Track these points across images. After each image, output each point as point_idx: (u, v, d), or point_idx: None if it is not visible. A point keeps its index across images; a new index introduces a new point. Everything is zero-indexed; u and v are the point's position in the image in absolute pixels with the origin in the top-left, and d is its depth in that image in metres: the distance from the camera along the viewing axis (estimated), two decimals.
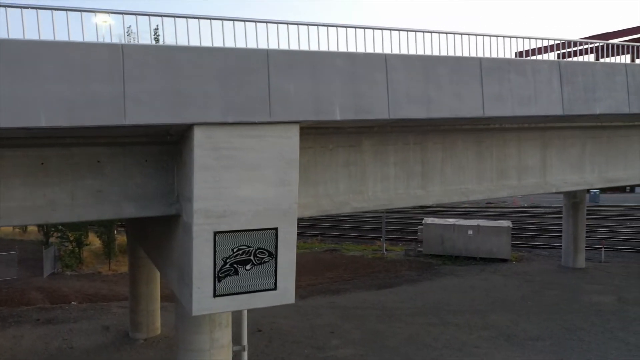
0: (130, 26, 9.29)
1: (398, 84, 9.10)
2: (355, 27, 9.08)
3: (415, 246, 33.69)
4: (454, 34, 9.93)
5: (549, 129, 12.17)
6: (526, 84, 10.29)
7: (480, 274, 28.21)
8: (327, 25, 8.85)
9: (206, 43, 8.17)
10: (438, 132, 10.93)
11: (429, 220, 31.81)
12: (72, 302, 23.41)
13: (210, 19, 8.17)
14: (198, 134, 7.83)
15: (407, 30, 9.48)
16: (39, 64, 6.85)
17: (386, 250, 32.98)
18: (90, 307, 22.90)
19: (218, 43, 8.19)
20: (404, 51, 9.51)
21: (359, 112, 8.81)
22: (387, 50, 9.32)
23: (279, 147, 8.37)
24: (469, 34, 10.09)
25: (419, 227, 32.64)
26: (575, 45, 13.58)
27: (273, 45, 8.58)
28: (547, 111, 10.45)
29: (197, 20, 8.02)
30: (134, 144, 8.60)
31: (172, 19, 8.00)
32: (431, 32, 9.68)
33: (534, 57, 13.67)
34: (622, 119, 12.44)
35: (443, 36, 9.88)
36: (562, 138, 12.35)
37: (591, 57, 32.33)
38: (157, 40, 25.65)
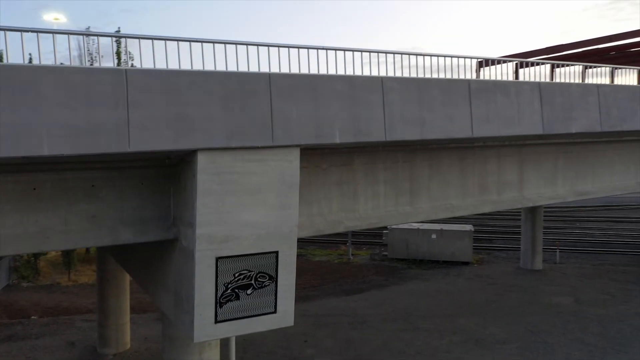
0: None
1: (394, 106, 9.27)
2: (353, 50, 9.19)
3: (380, 250, 34.22)
4: (444, 56, 10.21)
5: (525, 146, 12.69)
6: (510, 105, 10.69)
7: (445, 278, 28.94)
8: (327, 49, 8.91)
9: (209, 66, 8.05)
10: (425, 150, 11.19)
11: (393, 224, 32.33)
12: (32, 317, 22.41)
13: (213, 42, 8.06)
14: (202, 159, 7.71)
15: (402, 53, 9.68)
16: (40, 89, 6.56)
17: (352, 254, 33.31)
18: (53, 322, 21.99)
19: (220, 66, 8.09)
20: (398, 70, 9.69)
21: (357, 134, 8.91)
22: (382, 71, 9.48)
23: (281, 170, 8.36)
24: (457, 56, 10.40)
25: (384, 231, 33.15)
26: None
27: (274, 68, 8.56)
28: (529, 131, 10.90)
29: (200, 43, 7.89)
30: (130, 167, 8.37)
31: (176, 42, 7.83)
32: (424, 55, 9.92)
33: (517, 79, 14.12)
34: (592, 135, 13.13)
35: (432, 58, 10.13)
36: (537, 154, 12.91)
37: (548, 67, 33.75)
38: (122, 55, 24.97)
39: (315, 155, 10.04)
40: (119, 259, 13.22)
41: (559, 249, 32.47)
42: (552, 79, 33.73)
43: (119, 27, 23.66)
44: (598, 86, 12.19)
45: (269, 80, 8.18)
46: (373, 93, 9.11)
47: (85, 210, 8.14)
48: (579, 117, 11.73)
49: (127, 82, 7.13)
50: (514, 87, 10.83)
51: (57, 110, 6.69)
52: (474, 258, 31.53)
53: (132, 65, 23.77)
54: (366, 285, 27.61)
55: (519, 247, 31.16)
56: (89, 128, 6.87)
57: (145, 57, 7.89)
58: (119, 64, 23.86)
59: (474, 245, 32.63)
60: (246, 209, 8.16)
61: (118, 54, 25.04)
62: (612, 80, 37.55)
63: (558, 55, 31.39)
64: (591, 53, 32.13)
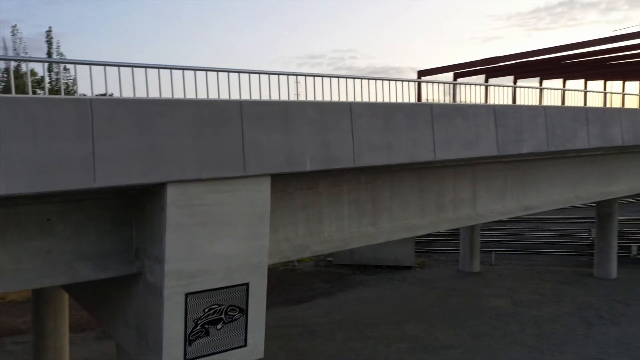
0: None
1: (362, 132, 9.27)
2: (322, 76, 9.09)
3: (325, 256, 34.32)
4: (409, 81, 10.36)
5: (478, 164, 13.13)
6: (469, 128, 11.01)
7: (389, 283, 29.47)
8: (297, 74, 8.75)
9: (178, 94, 7.67)
10: (387, 172, 11.30)
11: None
12: None
13: (182, 69, 7.68)
14: (171, 192, 7.34)
15: (369, 78, 9.70)
16: None
17: (297, 261, 33.21)
18: None
19: (190, 93, 7.74)
20: (365, 93, 9.73)
21: (327, 161, 8.84)
22: (350, 96, 9.48)
23: (252, 200, 8.13)
24: (425, 81, 10.57)
25: None
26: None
27: (245, 94, 8.30)
28: (485, 152, 11.28)
29: (169, 70, 7.49)
30: (89, 199, 7.82)
31: (143, 69, 7.39)
32: (389, 80, 10.01)
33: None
34: (538, 154, 13.80)
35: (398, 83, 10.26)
36: (489, 172, 13.39)
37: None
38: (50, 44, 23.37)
39: (281, 180, 9.84)
40: (67, 287, 12.36)
41: (494, 251, 33.96)
42: (486, 89, 35.33)
43: (50, 27, 22.08)
44: (545, 108, 12.83)
45: (241, 108, 7.93)
46: (342, 119, 9.06)
47: (39, 247, 7.52)
48: (528, 138, 12.28)
49: (92, 112, 6.64)
50: (472, 110, 11.16)
51: (15, 145, 6.12)
52: (415, 262, 32.35)
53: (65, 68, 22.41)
54: (313, 294, 27.60)
55: (458, 250, 32.28)
56: (51, 163, 6.34)
57: (113, 86, 7.40)
58: (49, 68, 22.38)
59: (415, 249, 33.50)
60: (217, 242, 7.86)
61: (49, 55, 23.58)
62: (541, 90, 39.72)
63: (493, 66, 32.84)
64: (522, 65, 33.89)
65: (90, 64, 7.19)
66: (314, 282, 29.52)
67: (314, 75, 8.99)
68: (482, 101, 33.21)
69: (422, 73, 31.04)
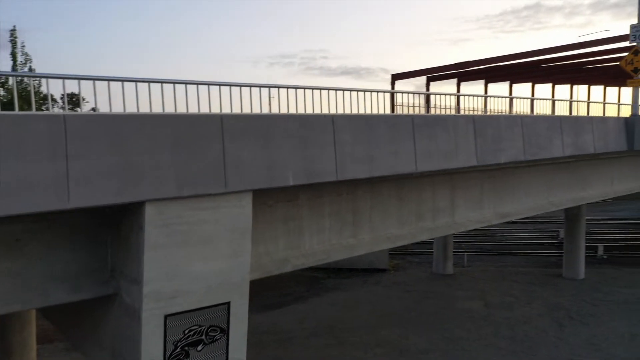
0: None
1: (344, 145, 9.14)
2: (304, 88, 8.91)
3: None
4: (391, 92, 10.26)
5: (456, 173, 13.16)
6: (449, 139, 11.00)
7: (364, 287, 29.46)
8: (278, 87, 8.55)
9: (156, 108, 7.36)
10: (368, 182, 11.19)
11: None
12: None
13: (161, 82, 7.37)
14: (150, 211, 7.04)
15: (350, 90, 9.56)
16: None
17: None
18: None
19: (169, 107, 7.44)
20: (347, 105, 9.60)
21: (310, 176, 8.67)
22: (332, 106, 9.33)
23: (233, 217, 7.90)
24: (405, 92, 10.52)
25: None
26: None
27: (226, 107, 8.05)
28: (465, 163, 11.30)
29: (147, 83, 7.18)
30: (61, 217, 7.44)
31: (120, 82, 7.05)
32: (371, 92, 9.89)
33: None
34: (514, 162, 13.94)
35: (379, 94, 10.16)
36: (466, 180, 13.44)
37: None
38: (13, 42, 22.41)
39: (261, 192, 9.62)
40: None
41: (467, 252, 34.36)
42: (458, 91, 35.82)
43: (13, 26, 21.08)
44: (522, 117, 12.96)
45: (221, 122, 7.68)
46: (324, 132, 8.90)
47: (7, 269, 7.11)
48: (506, 148, 12.37)
49: (65, 129, 6.30)
50: (452, 121, 11.16)
51: None
52: (390, 264, 32.46)
53: (30, 69, 21.61)
54: (288, 298, 27.36)
55: (431, 252, 32.52)
56: (22, 184, 5.97)
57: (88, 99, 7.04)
58: (14, 66, 21.52)
59: (389, 251, 33.60)
60: (197, 261, 7.60)
61: (13, 55, 22.63)
62: (511, 90, 40.46)
63: (465, 70, 33.32)
64: (492, 69, 34.55)
65: (64, 77, 6.82)
66: (289, 286, 29.26)
67: (296, 87, 8.80)
68: (454, 106, 33.52)
69: (395, 77, 31.23)
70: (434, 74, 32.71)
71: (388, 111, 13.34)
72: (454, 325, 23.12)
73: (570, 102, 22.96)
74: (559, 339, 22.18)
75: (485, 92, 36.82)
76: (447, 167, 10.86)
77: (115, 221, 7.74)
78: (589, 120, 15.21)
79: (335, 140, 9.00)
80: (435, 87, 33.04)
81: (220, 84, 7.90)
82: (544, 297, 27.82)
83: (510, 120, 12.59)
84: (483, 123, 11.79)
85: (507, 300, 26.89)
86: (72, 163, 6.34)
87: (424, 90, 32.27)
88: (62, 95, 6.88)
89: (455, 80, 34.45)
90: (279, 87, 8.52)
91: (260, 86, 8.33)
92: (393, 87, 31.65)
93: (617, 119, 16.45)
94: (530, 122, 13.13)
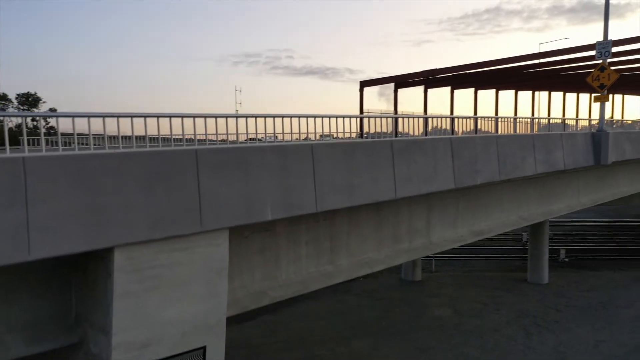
0: None
1: (324, 175, 8.79)
2: (282, 117, 8.51)
3: None
4: (368, 116, 9.97)
5: (432, 193, 13.03)
6: (427, 163, 10.81)
7: (335, 295, 29.19)
8: (255, 117, 8.12)
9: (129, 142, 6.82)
10: (346, 207, 10.89)
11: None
12: None
13: (131, 116, 6.83)
14: (119, 257, 6.52)
15: (329, 117, 9.22)
16: None
17: None
18: None
19: (141, 142, 6.90)
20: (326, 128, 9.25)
21: (289, 209, 8.29)
22: (311, 130, 8.96)
23: (209, 256, 7.45)
24: (383, 116, 10.22)
25: None
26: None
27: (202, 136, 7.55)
28: (443, 187, 11.14)
29: (115, 118, 6.62)
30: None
31: (86, 118, 6.47)
32: (350, 117, 9.57)
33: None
34: None
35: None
36: (443, 199, 13.32)
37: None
38: None
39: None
40: None
41: (434, 257, 34.55)
42: (425, 98, 36.07)
43: None
44: (497, 137, 12.91)
45: (196, 157, 7.21)
46: (304, 162, 8.54)
47: None
48: (482, 169, 12.29)
49: (25, 172, 5.72)
50: (431, 144, 10.97)
51: None
52: None
53: None
54: (258, 309, 26.72)
55: None
56: None
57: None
58: None
59: None
60: (170, 305, 7.11)
61: None
62: (476, 96, 40.96)
63: (431, 77, 33.54)
64: (458, 76, 34.93)
65: (24, 115, 6.20)
66: None
67: (274, 116, 8.39)
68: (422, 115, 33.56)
69: (364, 83, 31.12)
70: (402, 81, 32.77)
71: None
72: (424, 334, 23.10)
73: (532, 120, 23.19)
74: (527, 347, 22.47)
75: (452, 98, 37.20)
76: (426, 191, 10.67)
77: (82, 265, 7.17)
78: (559, 137, 15.35)
79: (315, 170, 8.65)
80: (402, 93, 33.12)
81: (194, 116, 7.42)
82: (511, 303, 28.19)
83: (486, 141, 12.52)
84: (460, 145, 11.66)
85: (476, 307, 27.12)
86: (33, 210, 5.77)
87: (392, 97, 32.29)
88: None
89: (422, 87, 34.64)
90: (256, 116, 8.10)
91: (237, 116, 7.89)
92: (362, 95, 31.54)
93: (585, 134, 16.71)
94: (505, 142, 13.11)
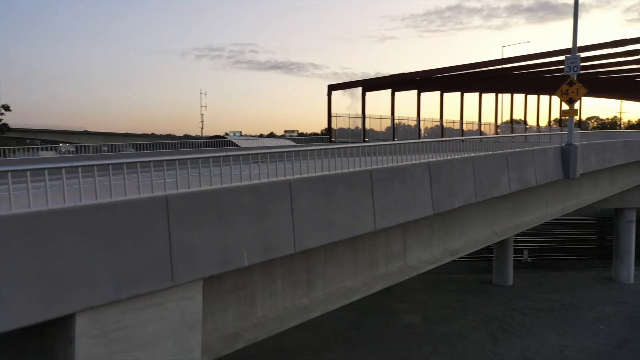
0: None
1: (302, 212, 8.32)
2: (259, 153, 7.96)
3: None
4: (348, 147, 9.52)
5: None
6: (406, 191, 10.48)
7: None
8: (230, 155, 7.55)
9: (89, 196, 6.14)
10: None
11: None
12: None
13: (94, 165, 6.15)
14: (81, 322, 5.88)
15: (308, 150, 8.73)
16: None
17: None
18: None
19: (104, 194, 6.23)
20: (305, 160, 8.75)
21: (266, 252, 7.79)
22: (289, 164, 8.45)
23: (181, 310, 6.87)
24: (361, 145, 9.81)
25: None
26: None
27: (172, 182, 6.92)
28: (422, 214, 10.85)
29: (77, 168, 5.94)
30: None
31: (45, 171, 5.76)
32: (328, 149, 9.09)
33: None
34: None
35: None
36: (417, 220, 13.06)
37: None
38: None
39: None
40: None
41: None
42: (392, 101, 36.00)
43: None
44: (473, 158, 12.72)
45: (167, 204, 6.61)
46: (281, 200, 8.03)
47: None
48: (459, 192, 12.07)
49: None
50: (409, 171, 10.65)
51: None
52: None
53: None
54: None
55: None
56: None
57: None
58: None
59: None
60: None
61: None
62: (442, 99, 41.23)
63: (399, 81, 33.49)
64: (425, 80, 35.09)
65: None
66: None
67: (249, 153, 7.82)
68: (389, 113, 33.41)
69: (332, 87, 30.75)
70: (370, 85, 32.58)
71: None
72: (395, 343, 23.03)
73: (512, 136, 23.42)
74: (495, 354, 22.70)
75: (418, 101, 37.28)
76: (404, 220, 10.35)
77: (39, 328, 6.46)
78: (531, 153, 15.35)
79: (293, 208, 8.16)
80: (370, 96, 32.90)
81: (164, 160, 6.80)
82: (478, 307, 28.52)
83: (462, 162, 12.30)
84: (438, 169, 11.39)
85: (444, 313, 27.27)
86: None
87: (358, 94, 31.99)
88: None
89: (389, 91, 34.55)
90: (230, 155, 7.54)
91: (210, 156, 7.30)
92: (329, 98, 31.14)
93: (555, 148, 16.80)
94: (481, 162, 12.94)
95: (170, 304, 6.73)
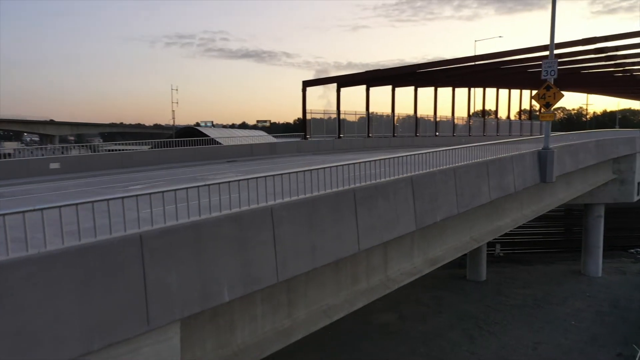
0: None
1: (285, 240, 7.92)
2: (238, 181, 7.47)
3: None
4: (331, 167, 9.11)
5: None
6: (390, 208, 10.18)
7: None
8: (208, 185, 7.04)
9: (55, 240, 5.57)
10: None
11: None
12: None
13: (59, 207, 5.57)
14: None
15: (289, 173, 8.28)
16: None
17: None
18: None
19: (71, 237, 5.67)
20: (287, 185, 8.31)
21: (248, 284, 7.37)
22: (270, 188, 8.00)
23: (157, 356, 6.40)
24: (345, 164, 9.40)
25: None
26: None
27: (146, 221, 6.38)
28: (405, 230, 10.58)
29: (39, 212, 5.35)
30: None
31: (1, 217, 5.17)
32: (311, 170, 8.66)
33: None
34: None
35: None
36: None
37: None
38: None
39: None
40: None
41: None
42: (367, 97, 35.70)
43: None
44: (455, 169, 12.51)
45: (141, 242, 6.11)
46: (263, 229, 7.61)
47: None
48: (441, 205, 11.85)
49: None
50: (392, 187, 10.34)
51: None
52: None
53: None
54: None
55: None
56: None
57: None
58: None
59: None
60: None
61: None
62: (416, 94, 41.19)
63: (373, 77, 33.24)
64: (398, 75, 34.89)
65: None
66: None
67: (229, 182, 7.33)
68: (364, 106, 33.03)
69: (307, 83, 30.21)
70: (344, 81, 32.19)
71: None
72: (371, 344, 22.92)
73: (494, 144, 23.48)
74: (472, 353, 22.88)
75: (393, 96, 37.09)
76: (388, 238, 10.07)
77: None
78: (510, 160, 15.26)
79: (275, 236, 7.75)
80: (345, 92, 32.53)
81: (137, 195, 6.25)
82: (452, 304, 28.71)
83: (445, 175, 12.07)
84: (421, 183, 11.13)
85: (420, 311, 27.33)
86: None
87: (334, 97, 31.54)
88: None
89: (364, 87, 34.22)
90: (209, 184, 7.03)
91: (187, 188, 6.78)
92: (304, 95, 30.63)
93: (532, 153, 16.78)
94: (463, 172, 12.75)
95: (146, 349, 6.27)
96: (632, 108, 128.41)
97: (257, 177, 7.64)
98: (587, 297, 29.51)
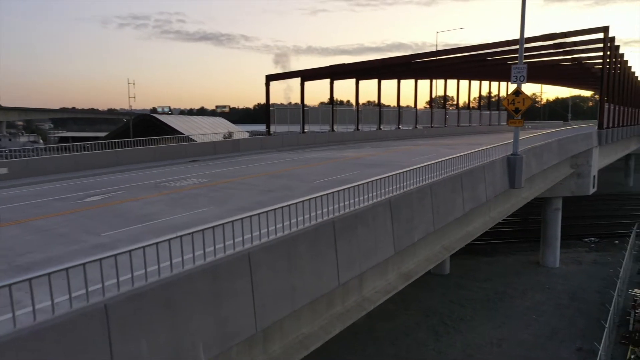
0: None
1: (263, 286, 7.36)
2: (213, 227, 6.81)
3: None
4: (310, 199, 8.55)
5: None
6: (369, 234, 9.76)
7: None
8: (182, 235, 6.36)
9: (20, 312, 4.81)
10: None
11: None
12: None
13: (9, 285, 4.79)
14: None
15: (267, 211, 7.67)
16: None
17: None
18: None
19: (23, 317, 4.92)
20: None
21: (224, 341, 6.80)
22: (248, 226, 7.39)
23: None
24: (325, 194, 8.85)
25: None
26: None
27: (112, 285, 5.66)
28: (384, 256, 10.21)
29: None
30: None
31: None
32: (289, 205, 8.07)
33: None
34: None
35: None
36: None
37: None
38: None
39: None
40: None
41: None
42: (331, 92, 35.16)
43: None
44: (430, 186, 12.19)
45: (106, 312, 5.42)
46: (240, 277, 7.02)
47: None
48: (418, 224, 11.53)
49: None
50: (371, 212, 9.90)
51: None
52: None
53: None
54: None
55: None
56: None
57: None
58: None
59: None
60: None
61: None
62: (380, 86, 40.79)
63: (337, 71, 32.74)
64: (362, 69, 34.52)
65: None
66: None
67: (203, 230, 6.66)
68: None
69: (270, 77, 29.33)
70: (308, 75, 31.51)
71: None
72: (338, 345, 22.70)
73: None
74: (438, 352, 23.07)
75: (357, 89, 36.71)
76: (367, 267, 9.67)
77: None
78: (481, 168, 15.11)
79: (253, 284, 7.17)
80: (309, 86, 31.84)
81: (100, 259, 5.51)
82: (418, 300, 28.86)
83: (421, 193, 11.73)
84: (398, 204, 10.74)
85: (386, 308, 27.27)
86: None
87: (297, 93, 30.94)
88: None
89: (328, 80, 33.64)
90: (180, 235, 6.35)
91: (156, 242, 6.07)
92: (268, 89, 29.77)
93: (502, 159, 16.73)
94: (439, 189, 12.46)
95: None
96: (582, 95, 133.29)
97: (232, 221, 6.99)
98: (547, 289, 30.32)
